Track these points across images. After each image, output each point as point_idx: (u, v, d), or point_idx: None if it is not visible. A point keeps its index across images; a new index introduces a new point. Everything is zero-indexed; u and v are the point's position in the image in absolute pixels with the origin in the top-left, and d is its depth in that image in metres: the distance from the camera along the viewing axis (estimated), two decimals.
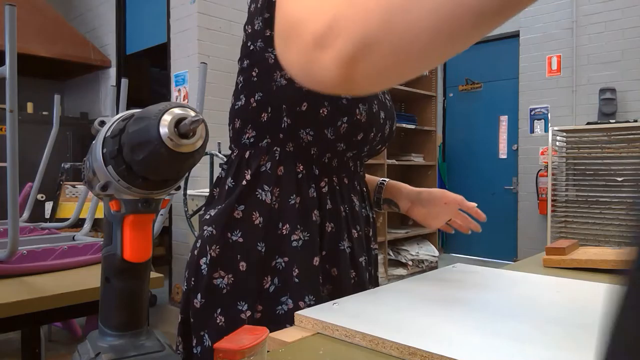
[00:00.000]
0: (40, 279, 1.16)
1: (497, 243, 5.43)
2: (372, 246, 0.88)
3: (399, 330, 0.60)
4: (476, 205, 0.90)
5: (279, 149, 0.74)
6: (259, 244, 0.72)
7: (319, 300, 0.73)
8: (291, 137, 0.73)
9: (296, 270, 0.72)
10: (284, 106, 0.73)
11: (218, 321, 0.71)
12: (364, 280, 0.81)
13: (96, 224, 2.20)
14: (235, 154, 0.79)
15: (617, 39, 4.56)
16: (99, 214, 1.35)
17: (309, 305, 0.71)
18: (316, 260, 0.73)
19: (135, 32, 4.30)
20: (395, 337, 0.57)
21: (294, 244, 0.73)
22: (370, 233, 0.87)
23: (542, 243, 4.56)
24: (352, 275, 0.79)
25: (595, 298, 0.76)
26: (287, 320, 0.69)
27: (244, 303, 0.71)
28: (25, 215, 1.78)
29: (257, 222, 0.73)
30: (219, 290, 0.72)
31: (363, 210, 0.85)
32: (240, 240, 0.73)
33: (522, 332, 0.59)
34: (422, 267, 4.70)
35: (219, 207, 0.75)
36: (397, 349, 0.56)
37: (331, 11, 0.37)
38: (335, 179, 0.78)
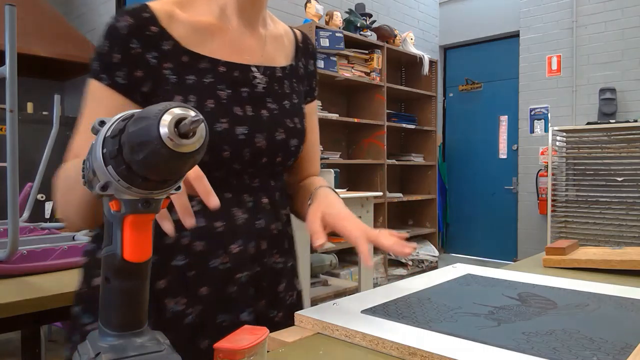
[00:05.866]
0: (40, 279, 1.16)
1: (497, 243, 5.43)
2: (265, 260, 0.80)
3: (399, 330, 0.60)
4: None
5: None
6: None
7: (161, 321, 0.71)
8: None
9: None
10: None
11: None
12: (246, 297, 0.77)
13: None
14: None
15: (617, 39, 4.56)
16: None
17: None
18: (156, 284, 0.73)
19: None
20: (395, 337, 0.57)
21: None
22: (264, 246, 0.80)
23: (542, 243, 4.56)
24: (231, 291, 0.75)
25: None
26: None
27: None
28: (25, 215, 1.78)
29: None
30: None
31: (257, 222, 0.79)
32: None
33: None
34: (422, 267, 4.71)
35: None
36: (397, 349, 0.56)
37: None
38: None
